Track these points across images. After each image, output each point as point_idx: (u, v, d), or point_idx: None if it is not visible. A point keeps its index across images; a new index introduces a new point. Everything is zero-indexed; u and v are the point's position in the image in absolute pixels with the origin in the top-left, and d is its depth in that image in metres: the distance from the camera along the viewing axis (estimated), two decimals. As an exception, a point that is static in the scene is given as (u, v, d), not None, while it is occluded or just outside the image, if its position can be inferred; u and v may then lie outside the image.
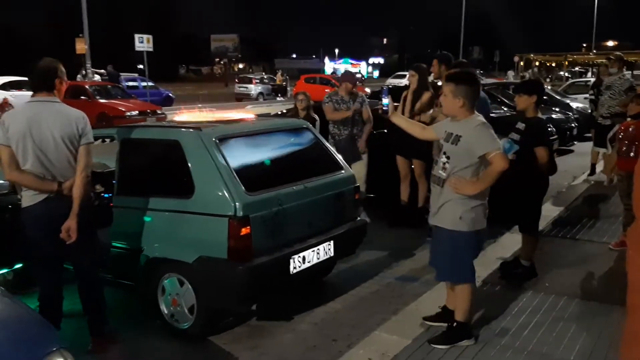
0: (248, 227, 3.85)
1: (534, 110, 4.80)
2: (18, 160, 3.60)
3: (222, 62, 77.12)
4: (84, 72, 25.31)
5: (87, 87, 19.12)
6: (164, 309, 4.27)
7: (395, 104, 6.84)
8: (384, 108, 4.15)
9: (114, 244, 4.40)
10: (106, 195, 5.07)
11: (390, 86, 12.57)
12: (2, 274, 4.50)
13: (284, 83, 35.98)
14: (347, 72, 8.00)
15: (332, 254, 4.55)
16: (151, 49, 23.25)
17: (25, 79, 4.31)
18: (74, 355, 2.44)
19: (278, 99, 32.19)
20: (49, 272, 3.81)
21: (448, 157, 3.64)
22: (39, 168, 3.62)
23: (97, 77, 25.51)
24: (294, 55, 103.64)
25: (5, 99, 20.18)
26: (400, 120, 4.21)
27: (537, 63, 48.99)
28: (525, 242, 5.04)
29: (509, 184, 4.22)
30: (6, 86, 20.84)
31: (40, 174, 3.62)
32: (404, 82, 28.52)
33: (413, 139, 6.38)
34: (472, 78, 3.77)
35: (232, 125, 4.58)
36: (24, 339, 2.39)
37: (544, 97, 5.01)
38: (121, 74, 28.12)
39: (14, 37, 54.62)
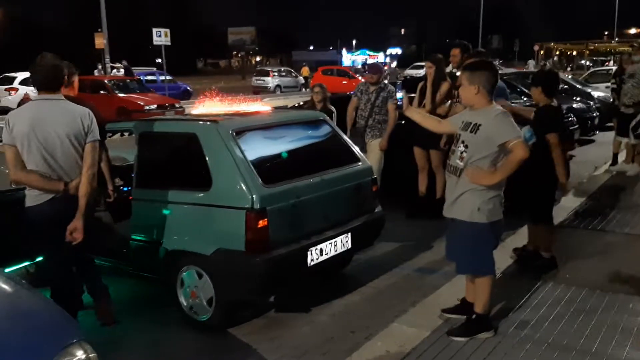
0: (265, 220, 3.86)
1: (545, 99, 4.78)
2: (23, 160, 3.54)
3: (239, 55, 77.34)
4: (99, 66, 25.56)
5: (106, 81, 19.30)
6: (182, 301, 4.30)
7: (413, 94, 6.83)
8: (398, 103, 4.12)
9: (133, 236, 4.45)
10: (125, 189, 5.13)
11: (407, 77, 12.50)
12: (24, 266, 4.57)
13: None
14: (371, 64, 8.10)
15: (349, 246, 4.54)
16: (169, 43, 23.37)
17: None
18: (94, 347, 2.47)
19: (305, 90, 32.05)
20: (59, 267, 3.79)
21: (466, 146, 3.60)
22: (44, 168, 3.54)
23: (121, 72, 25.79)
24: (311, 47, 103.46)
25: (26, 94, 20.50)
26: (415, 114, 4.20)
27: (557, 52, 48.32)
28: (542, 233, 4.99)
29: (522, 173, 4.17)
30: (27, 81, 21.09)
31: (46, 173, 3.55)
32: (422, 72, 28.29)
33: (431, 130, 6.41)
34: (487, 65, 3.74)
35: (249, 118, 4.59)
36: (44, 330, 2.43)
37: (556, 86, 5.01)
38: (138, 68, 28.38)
39: (34, 33, 55.26)
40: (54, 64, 3.64)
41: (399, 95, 4.11)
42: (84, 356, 2.35)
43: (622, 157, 9.22)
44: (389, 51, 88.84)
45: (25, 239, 3.81)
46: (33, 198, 3.62)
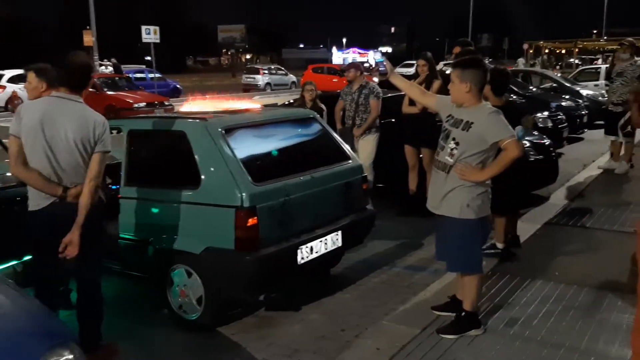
0: (255, 218, 3.84)
1: (494, 99, 4.86)
2: (26, 154, 3.36)
3: (229, 53, 77.18)
4: (88, 64, 25.39)
5: (94, 79, 19.14)
6: (172, 300, 4.27)
7: (401, 93, 6.84)
8: (380, 69, 4.04)
9: (122, 235, 4.41)
10: (114, 187, 5.09)
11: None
12: (12, 266, 4.52)
13: None
14: (349, 63, 8.18)
15: (340, 244, 4.53)
16: (158, 41, 23.29)
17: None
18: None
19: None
20: (47, 268, 3.59)
21: (457, 143, 3.59)
22: (45, 168, 3.35)
23: (109, 69, 25.62)
24: (302, 45, 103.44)
25: (14, 92, 20.33)
26: (399, 80, 4.15)
27: (546, 50, 48.60)
28: (497, 223, 5.09)
29: None
30: (15, 79, 20.91)
31: (47, 174, 3.36)
32: (412, 70, 28.31)
33: (421, 128, 6.43)
34: (478, 63, 3.72)
35: (238, 116, 4.56)
36: (30, 330, 2.39)
37: (506, 85, 5.22)
38: (127, 65, 28.25)
39: (22, 30, 54.76)
40: (87, 64, 3.52)
41: (379, 58, 4.03)
42: (71, 356, 2.33)
43: (607, 156, 9.30)
44: (379, 49, 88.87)
45: (20, 238, 3.68)
46: (35, 202, 3.44)
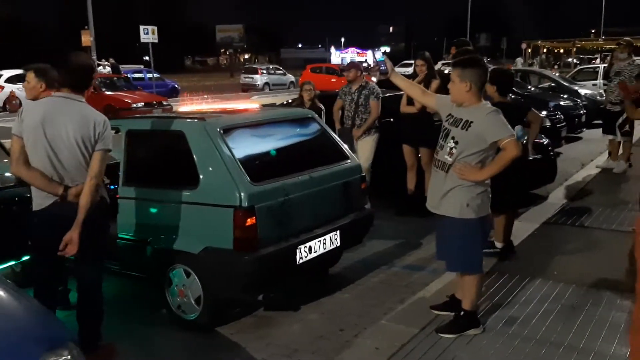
0: (253, 218, 3.84)
1: (498, 97, 4.95)
2: (28, 154, 3.38)
3: (227, 53, 77.18)
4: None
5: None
6: (171, 300, 4.27)
7: (400, 92, 6.85)
8: (381, 68, 4.01)
9: (120, 235, 4.41)
10: (112, 187, 5.08)
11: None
12: (10, 266, 4.51)
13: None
14: (349, 62, 8.20)
15: (338, 244, 4.53)
16: (156, 41, 23.26)
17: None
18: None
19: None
20: (46, 268, 3.62)
21: (456, 142, 3.59)
22: (47, 167, 3.38)
23: (107, 69, 25.60)
24: (300, 45, 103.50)
25: (12, 92, 20.32)
26: (400, 80, 4.13)
27: (545, 50, 48.70)
28: (497, 222, 5.09)
29: None
30: (13, 79, 20.89)
31: (49, 173, 3.38)
32: (410, 70, 28.33)
33: (420, 127, 6.43)
34: (479, 62, 3.72)
35: (236, 116, 4.57)
36: (29, 330, 2.39)
37: (510, 85, 5.34)
38: (126, 65, 28.25)
39: (22, 30, 54.69)
40: (88, 65, 3.56)
41: (380, 56, 4.01)
42: (69, 356, 2.32)
43: (605, 155, 9.31)
44: (379, 48, 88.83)
45: (19, 239, 3.69)
46: (38, 202, 3.46)
